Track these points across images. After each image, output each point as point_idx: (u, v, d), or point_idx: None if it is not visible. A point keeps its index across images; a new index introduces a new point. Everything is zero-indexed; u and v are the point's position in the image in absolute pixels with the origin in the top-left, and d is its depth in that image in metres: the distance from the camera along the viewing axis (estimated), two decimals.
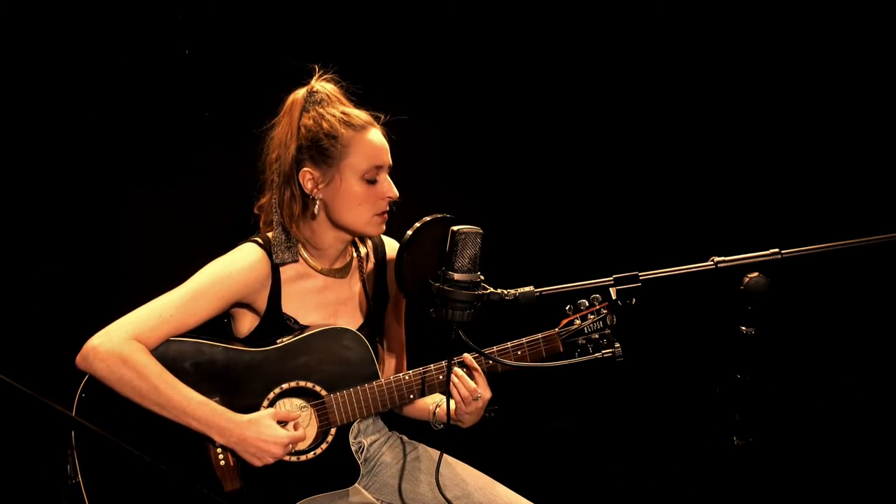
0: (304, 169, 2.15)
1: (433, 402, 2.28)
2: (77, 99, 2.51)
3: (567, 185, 3.14)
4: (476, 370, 2.15)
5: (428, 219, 1.86)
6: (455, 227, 1.81)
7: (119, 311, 2.06)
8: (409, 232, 1.85)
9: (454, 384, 2.13)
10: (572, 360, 2.15)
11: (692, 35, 3.06)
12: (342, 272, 2.27)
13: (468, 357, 2.15)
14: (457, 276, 1.79)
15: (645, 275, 1.76)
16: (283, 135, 2.17)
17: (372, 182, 2.14)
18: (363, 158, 2.13)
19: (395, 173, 2.20)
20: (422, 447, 2.38)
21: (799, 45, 3.03)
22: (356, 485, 2.18)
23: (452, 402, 2.19)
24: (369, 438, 2.34)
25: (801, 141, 3.08)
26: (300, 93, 2.19)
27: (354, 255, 2.31)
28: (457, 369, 2.14)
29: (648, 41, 3.07)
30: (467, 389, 2.12)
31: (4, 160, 2.45)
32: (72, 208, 2.54)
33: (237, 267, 2.12)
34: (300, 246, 2.20)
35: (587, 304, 2.18)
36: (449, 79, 2.96)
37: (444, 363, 2.17)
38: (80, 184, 2.53)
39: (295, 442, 2.07)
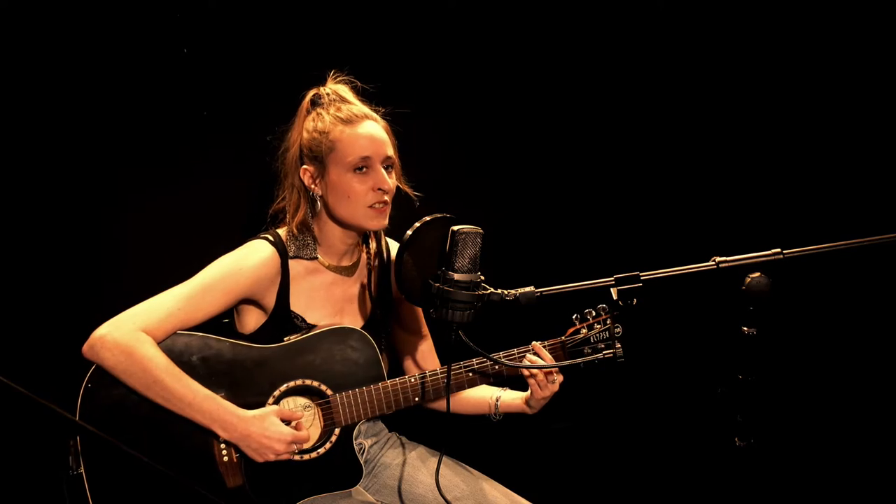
0: (303, 166, 2.19)
1: (490, 395, 2.27)
2: (81, 97, 2.51)
3: (568, 185, 3.14)
4: (545, 356, 2.14)
5: (428, 219, 1.86)
6: (455, 227, 1.82)
7: (121, 305, 2.05)
8: (409, 232, 1.85)
9: (531, 371, 2.12)
10: (573, 361, 2.16)
11: (693, 35, 3.06)
12: (349, 270, 2.28)
13: (537, 344, 2.16)
14: (457, 277, 1.79)
15: (646, 275, 1.75)
16: (291, 137, 2.24)
17: (362, 174, 2.14)
18: (348, 150, 2.13)
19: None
20: (421, 448, 2.37)
21: (800, 45, 3.03)
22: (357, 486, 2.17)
23: (488, 389, 2.26)
24: (370, 440, 2.34)
25: (802, 141, 3.07)
26: (308, 95, 2.24)
27: (364, 254, 2.32)
28: (529, 356, 2.14)
29: (649, 41, 3.06)
30: (542, 373, 2.12)
31: (6, 159, 2.45)
32: (72, 206, 2.53)
33: (247, 263, 2.13)
34: (314, 242, 2.22)
35: (594, 314, 2.18)
36: (450, 78, 2.95)
37: (462, 364, 2.18)
38: (80, 181, 2.53)
39: (298, 441, 2.07)
